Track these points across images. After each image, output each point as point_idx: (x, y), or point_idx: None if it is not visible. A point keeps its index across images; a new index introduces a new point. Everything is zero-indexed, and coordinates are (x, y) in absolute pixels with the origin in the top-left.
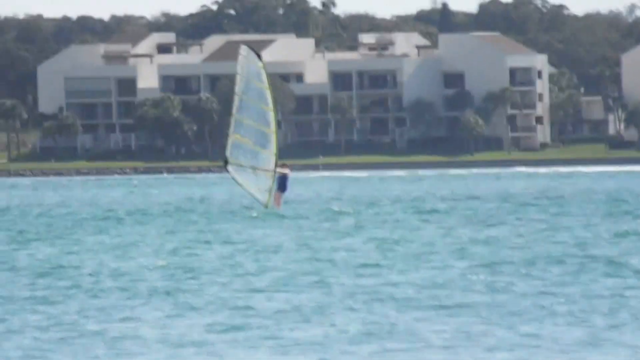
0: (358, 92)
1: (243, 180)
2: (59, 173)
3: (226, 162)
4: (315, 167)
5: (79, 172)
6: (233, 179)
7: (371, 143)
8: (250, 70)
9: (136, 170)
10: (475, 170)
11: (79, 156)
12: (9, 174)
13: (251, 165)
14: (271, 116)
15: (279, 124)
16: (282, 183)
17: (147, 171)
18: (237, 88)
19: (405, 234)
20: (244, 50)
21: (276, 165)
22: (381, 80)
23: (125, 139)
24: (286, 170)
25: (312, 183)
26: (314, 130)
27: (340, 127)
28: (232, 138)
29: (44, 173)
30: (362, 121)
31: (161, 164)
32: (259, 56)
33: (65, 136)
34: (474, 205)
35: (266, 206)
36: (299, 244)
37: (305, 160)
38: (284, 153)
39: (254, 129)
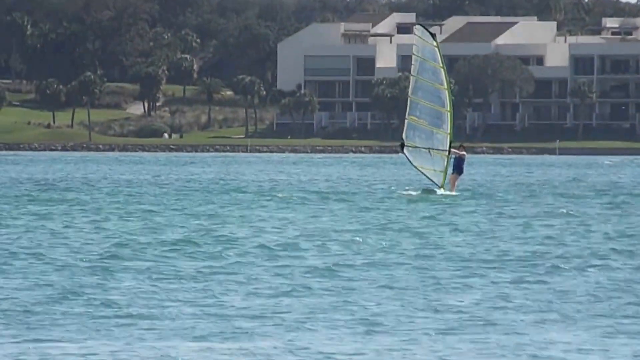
0: (599, 76)
1: (419, 163)
2: (294, 149)
3: (402, 146)
4: (552, 151)
5: (314, 149)
6: (409, 161)
7: (610, 128)
8: (425, 51)
9: (371, 149)
10: None
11: (314, 133)
12: (246, 149)
13: (427, 147)
14: (446, 95)
15: (517, 107)
16: (458, 165)
17: (381, 150)
18: (413, 69)
19: None
20: (418, 30)
21: (450, 146)
22: (623, 65)
23: (361, 118)
24: (462, 153)
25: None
26: (552, 114)
27: (579, 111)
28: (409, 120)
29: (280, 149)
30: (601, 106)
31: (396, 143)
32: (433, 36)
33: (302, 113)
34: None
35: (441, 187)
36: None
37: (542, 143)
38: (521, 136)
39: (429, 109)
